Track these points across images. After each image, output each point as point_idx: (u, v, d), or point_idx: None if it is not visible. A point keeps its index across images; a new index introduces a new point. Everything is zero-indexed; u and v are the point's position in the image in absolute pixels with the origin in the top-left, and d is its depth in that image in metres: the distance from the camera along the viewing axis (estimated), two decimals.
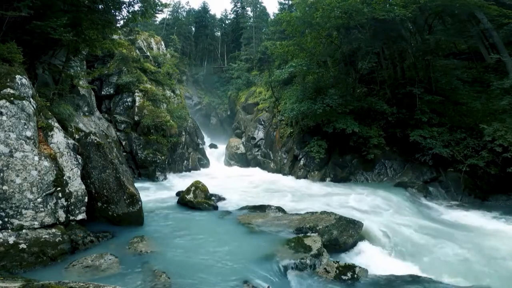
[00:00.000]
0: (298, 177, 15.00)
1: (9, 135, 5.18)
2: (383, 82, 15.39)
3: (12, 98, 5.39)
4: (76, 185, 5.97)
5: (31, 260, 4.75)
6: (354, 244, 6.49)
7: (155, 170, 14.21)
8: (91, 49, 10.49)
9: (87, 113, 11.99)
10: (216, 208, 9.10)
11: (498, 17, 11.68)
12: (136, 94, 15.31)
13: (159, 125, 14.72)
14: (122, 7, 9.84)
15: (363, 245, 6.54)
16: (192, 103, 34.36)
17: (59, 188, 5.61)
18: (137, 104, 14.99)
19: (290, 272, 5.06)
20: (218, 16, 52.51)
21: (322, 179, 13.76)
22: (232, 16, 47.91)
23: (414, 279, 5.01)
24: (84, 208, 6.03)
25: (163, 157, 14.44)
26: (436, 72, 13.55)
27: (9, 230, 4.80)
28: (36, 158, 5.40)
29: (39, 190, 5.29)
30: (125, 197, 6.73)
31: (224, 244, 5.91)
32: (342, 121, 13.06)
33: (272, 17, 38.63)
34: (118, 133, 14.20)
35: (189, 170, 17.62)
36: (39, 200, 5.25)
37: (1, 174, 4.92)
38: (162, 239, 6.13)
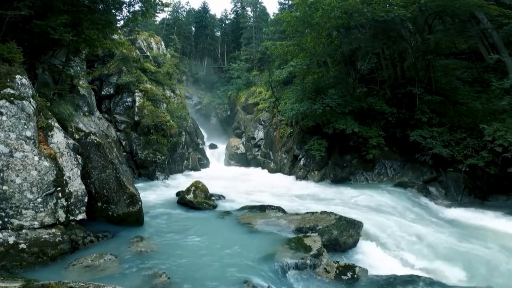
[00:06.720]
0: (298, 177, 15.00)
1: (9, 135, 5.18)
2: (383, 82, 15.37)
3: (12, 98, 5.39)
4: (76, 185, 5.97)
5: (31, 260, 4.74)
6: (354, 244, 6.49)
7: (155, 170, 14.21)
8: (91, 49, 10.48)
9: (87, 113, 11.98)
10: (216, 208, 9.10)
11: (498, 17, 11.65)
12: (136, 94, 15.31)
13: (159, 125, 14.72)
14: (123, 7, 9.84)
15: (363, 245, 6.54)
16: (192, 103, 34.35)
17: (59, 188, 5.61)
18: (137, 104, 14.99)
19: (290, 272, 5.05)
20: (218, 16, 52.56)
21: (322, 179, 13.76)
22: (232, 16, 47.89)
23: (414, 279, 5.01)
24: (84, 208, 6.03)
25: (163, 157, 14.44)
26: (436, 72, 13.52)
27: (9, 230, 4.80)
28: (36, 158, 5.40)
29: (39, 190, 5.29)
30: (125, 197, 6.72)
31: (224, 244, 5.91)
32: (342, 121, 13.03)
33: (272, 17, 38.58)
34: (118, 133, 14.19)
35: (189, 170, 17.63)
36: (39, 200, 5.25)
37: (1, 174, 4.92)
38: (162, 239, 6.13)
